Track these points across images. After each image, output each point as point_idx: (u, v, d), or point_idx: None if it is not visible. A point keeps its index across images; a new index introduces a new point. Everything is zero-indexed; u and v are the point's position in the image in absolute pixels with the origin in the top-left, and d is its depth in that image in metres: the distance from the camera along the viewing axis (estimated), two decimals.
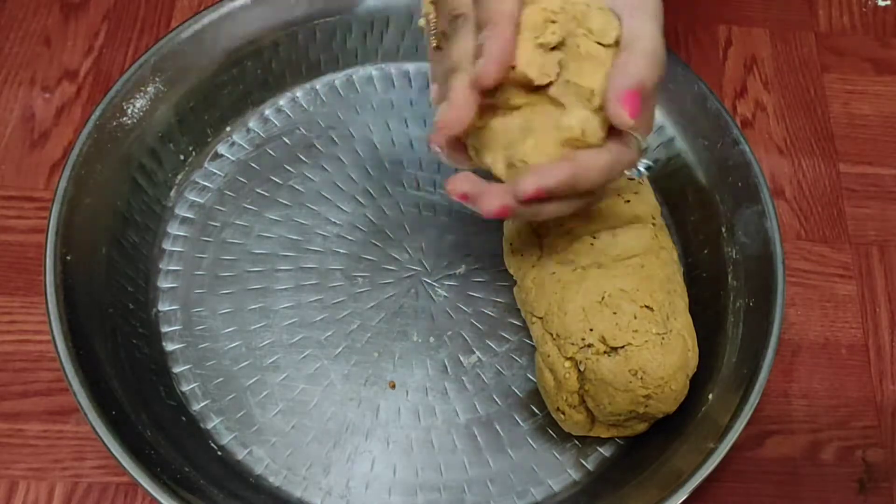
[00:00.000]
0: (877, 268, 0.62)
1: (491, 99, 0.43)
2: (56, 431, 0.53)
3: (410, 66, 0.64)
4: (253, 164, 0.61)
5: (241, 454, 0.52)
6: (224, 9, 0.59)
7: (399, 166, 0.61)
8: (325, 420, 0.53)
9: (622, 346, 0.48)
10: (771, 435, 0.56)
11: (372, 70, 0.64)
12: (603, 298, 0.49)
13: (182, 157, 0.60)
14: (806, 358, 0.59)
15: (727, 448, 0.48)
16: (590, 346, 0.48)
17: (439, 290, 0.57)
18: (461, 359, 0.55)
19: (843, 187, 0.65)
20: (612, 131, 0.43)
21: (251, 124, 0.62)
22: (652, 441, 0.52)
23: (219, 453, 0.52)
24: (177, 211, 0.59)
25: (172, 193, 0.59)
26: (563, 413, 0.51)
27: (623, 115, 0.41)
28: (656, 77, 0.43)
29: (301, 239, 0.58)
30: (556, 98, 0.43)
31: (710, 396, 0.51)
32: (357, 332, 0.56)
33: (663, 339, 0.48)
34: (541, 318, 0.51)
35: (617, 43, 0.43)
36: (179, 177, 0.60)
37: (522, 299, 0.53)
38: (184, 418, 0.53)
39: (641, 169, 0.46)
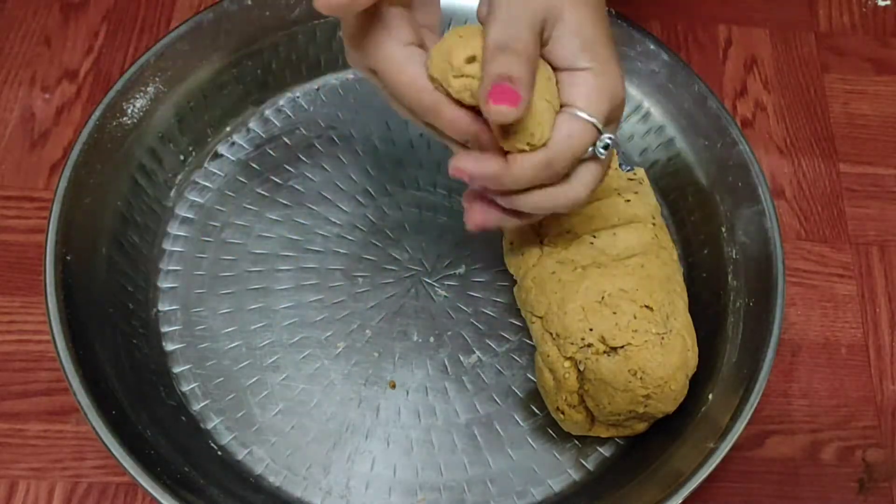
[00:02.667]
0: (877, 268, 0.62)
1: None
2: (56, 431, 0.53)
3: None
4: (253, 164, 0.61)
5: (241, 454, 0.52)
6: (224, 9, 0.59)
7: (399, 166, 0.61)
8: (325, 420, 0.53)
9: (622, 346, 0.48)
10: (771, 435, 0.56)
11: None
12: (603, 298, 0.49)
13: (182, 157, 0.60)
14: (806, 358, 0.59)
15: (727, 448, 0.48)
16: (589, 345, 0.48)
17: (439, 290, 0.57)
18: (461, 359, 0.55)
19: (843, 187, 0.65)
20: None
21: (251, 124, 0.62)
22: (652, 441, 0.52)
23: (219, 453, 0.52)
24: (177, 211, 0.59)
25: (172, 193, 0.59)
26: (563, 413, 0.51)
27: (495, 111, 0.39)
28: (513, 56, 0.39)
29: (301, 239, 0.58)
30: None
31: (710, 396, 0.51)
32: (357, 332, 0.56)
33: (663, 338, 0.48)
34: (541, 317, 0.51)
35: None
36: (179, 177, 0.60)
37: (522, 299, 0.53)
38: (184, 418, 0.53)
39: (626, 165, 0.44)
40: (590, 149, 0.43)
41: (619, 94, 0.43)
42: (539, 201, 0.44)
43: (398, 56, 0.41)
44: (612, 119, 0.43)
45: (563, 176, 0.43)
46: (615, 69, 0.43)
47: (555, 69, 0.43)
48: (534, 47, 0.40)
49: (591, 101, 0.42)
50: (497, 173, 0.42)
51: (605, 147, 0.43)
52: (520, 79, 0.39)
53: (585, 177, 0.44)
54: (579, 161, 0.43)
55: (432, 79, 0.41)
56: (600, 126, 0.42)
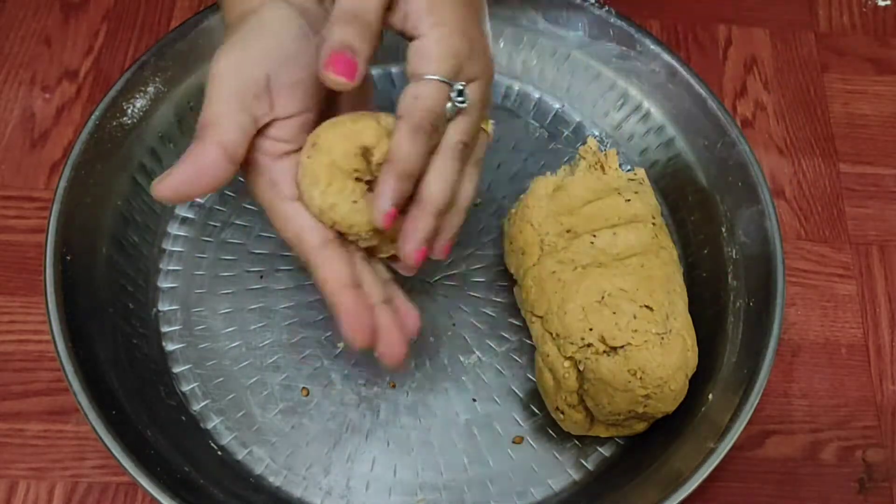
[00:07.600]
0: (877, 268, 0.62)
1: None
2: (56, 431, 0.53)
3: None
4: None
5: (241, 454, 0.52)
6: None
7: None
8: (325, 420, 0.53)
9: (621, 346, 0.48)
10: (771, 435, 0.56)
11: (372, 70, 0.64)
12: (603, 298, 0.49)
13: None
14: (806, 358, 0.59)
15: (727, 448, 0.48)
16: (589, 345, 0.48)
17: (439, 290, 0.57)
18: (461, 359, 0.55)
19: (843, 187, 0.65)
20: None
21: None
22: (652, 441, 0.52)
23: (219, 453, 0.52)
24: (177, 211, 0.59)
25: None
26: (563, 413, 0.51)
27: (330, 78, 0.41)
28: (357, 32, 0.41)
29: None
30: None
31: (710, 396, 0.51)
32: None
33: (663, 338, 0.48)
34: (540, 317, 0.51)
35: None
36: None
37: (522, 298, 0.53)
38: (184, 418, 0.53)
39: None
40: (448, 105, 0.43)
41: (463, 50, 0.43)
42: (441, 172, 0.43)
43: (282, 212, 0.46)
44: (470, 74, 0.43)
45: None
46: (457, 26, 0.43)
47: (402, 34, 0.43)
48: (378, 21, 0.42)
49: (431, 62, 0.42)
50: (391, 163, 0.42)
51: (460, 94, 0.43)
52: (361, 51, 0.41)
53: (459, 125, 0.43)
54: (448, 119, 0.43)
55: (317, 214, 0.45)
56: (447, 80, 0.42)
